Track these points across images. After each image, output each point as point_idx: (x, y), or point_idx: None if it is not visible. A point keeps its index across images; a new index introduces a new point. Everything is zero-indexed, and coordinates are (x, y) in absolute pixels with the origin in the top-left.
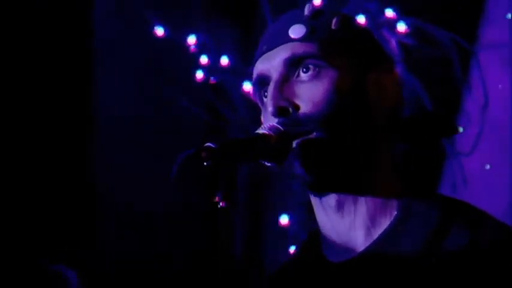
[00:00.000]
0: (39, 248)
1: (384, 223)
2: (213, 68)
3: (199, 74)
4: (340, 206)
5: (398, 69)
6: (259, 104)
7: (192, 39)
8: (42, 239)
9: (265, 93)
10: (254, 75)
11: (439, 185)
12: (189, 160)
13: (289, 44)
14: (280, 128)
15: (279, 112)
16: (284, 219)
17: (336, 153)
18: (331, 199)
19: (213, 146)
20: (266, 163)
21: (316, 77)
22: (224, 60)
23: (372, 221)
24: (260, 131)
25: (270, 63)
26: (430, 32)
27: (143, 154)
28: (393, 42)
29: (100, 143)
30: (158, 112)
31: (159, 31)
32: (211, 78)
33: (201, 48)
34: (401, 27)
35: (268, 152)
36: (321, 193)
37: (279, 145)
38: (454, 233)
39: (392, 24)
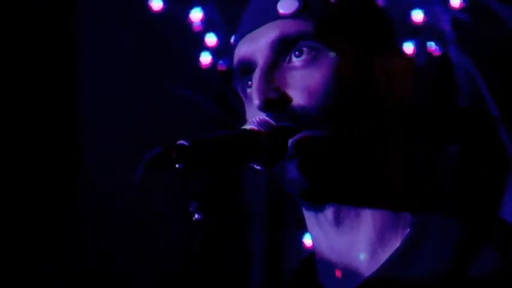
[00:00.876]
0: (17, 247)
1: (394, 242)
2: (222, 50)
3: (206, 58)
4: (339, 220)
5: (451, 51)
6: (242, 97)
7: (196, 14)
8: (20, 238)
9: (250, 83)
10: (235, 61)
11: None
12: (155, 162)
13: (278, 22)
14: (272, 122)
15: (267, 105)
16: (308, 240)
17: (337, 154)
18: (329, 211)
19: (186, 143)
20: (254, 166)
21: (311, 62)
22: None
23: (380, 239)
24: (247, 126)
25: (255, 46)
26: (490, 7)
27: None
28: (446, 19)
29: (84, 142)
30: (154, 105)
31: (156, 4)
32: (220, 62)
33: (207, 25)
34: (456, 1)
35: (258, 152)
36: (318, 203)
37: (271, 144)
38: (482, 260)
39: None
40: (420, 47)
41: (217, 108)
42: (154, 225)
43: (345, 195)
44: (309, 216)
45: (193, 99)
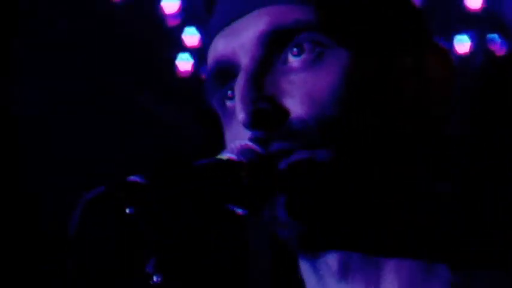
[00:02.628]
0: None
1: None
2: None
3: (184, 62)
4: (347, 273)
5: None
6: (219, 113)
7: (171, 5)
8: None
9: (230, 93)
10: (209, 63)
11: None
12: (96, 206)
13: (269, 8)
14: (258, 149)
15: (255, 120)
16: None
17: (348, 186)
18: (333, 260)
19: (140, 180)
20: (234, 209)
21: (315, 62)
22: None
23: None
24: (224, 155)
25: (237, 41)
26: None
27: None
28: None
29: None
30: (111, 119)
31: None
32: (205, 68)
33: (185, 18)
34: None
35: (237, 191)
36: (319, 252)
37: (255, 179)
38: None
39: None
40: (478, 42)
41: (199, 127)
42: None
43: (356, 239)
44: (305, 268)
45: (165, 115)
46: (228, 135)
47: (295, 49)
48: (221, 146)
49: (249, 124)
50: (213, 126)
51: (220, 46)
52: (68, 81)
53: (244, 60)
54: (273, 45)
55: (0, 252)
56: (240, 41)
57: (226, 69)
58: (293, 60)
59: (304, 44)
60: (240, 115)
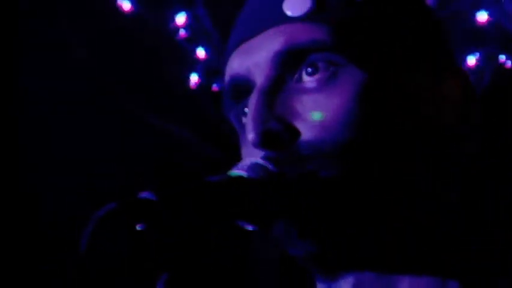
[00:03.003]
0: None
1: None
2: (215, 66)
3: (194, 77)
4: None
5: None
6: (235, 126)
7: (180, 19)
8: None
9: (246, 109)
10: (226, 79)
11: None
12: (109, 221)
13: (284, 27)
14: (268, 167)
15: (265, 140)
16: None
17: (361, 207)
18: (345, 282)
19: (152, 197)
20: (243, 225)
21: (329, 82)
22: None
23: None
24: (234, 171)
25: (252, 59)
26: None
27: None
28: None
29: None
30: (117, 136)
31: (125, 4)
32: (214, 84)
33: (194, 33)
34: None
35: (247, 208)
36: (332, 271)
37: (265, 197)
38: None
39: None
40: (486, 58)
41: (207, 144)
42: None
43: (370, 260)
44: None
45: (176, 131)
46: (244, 152)
47: (309, 68)
48: (233, 161)
49: (258, 144)
50: (223, 140)
51: (236, 64)
52: (69, 83)
53: (259, 79)
54: (287, 64)
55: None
56: (255, 59)
57: (242, 87)
58: (307, 80)
59: (318, 64)
60: (250, 135)
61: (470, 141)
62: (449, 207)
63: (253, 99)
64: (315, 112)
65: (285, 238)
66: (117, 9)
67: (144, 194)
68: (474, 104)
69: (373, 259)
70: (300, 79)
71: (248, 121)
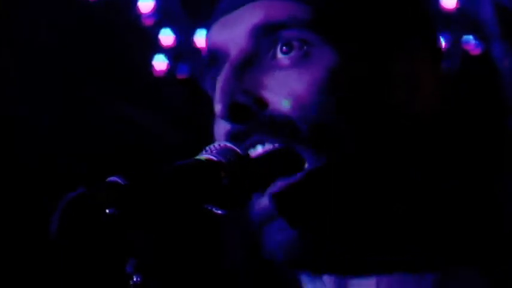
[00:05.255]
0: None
1: None
2: (182, 51)
3: (160, 63)
4: (341, 286)
5: (494, 49)
6: (210, 95)
7: (146, 4)
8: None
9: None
10: (204, 50)
11: None
12: (78, 205)
13: (263, 2)
14: (237, 149)
15: (231, 113)
16: None
17: (336, 196)
18: (327, 278)
19: (120, 181)
20: (213, 209)
21: (303, 60)
22: (201, 39)
23: None
24: (203, 155)
25: (229, 33)
26: None
27: None
28: (487, 7)
29: None
30: (83, 121)
31: None
32: (180, 69)
33: (161, 18)
34: None
35: (217, 191)
36: (315, 273)
37: (234, 179)
38: None
39: None
40: (453, 43)
41: (174, 129)
42: None
43: (350, 258)
44: (305, 281)
45: (139, 116)
46: (217, 127)
47: (284, 47)
48: (197, 147)
49: (225, 116)
50: (188, 127)
51: (214, 36)
52: (34, 67)
53: (233, 51)
54: (263, 39)
55: None
56: (232, 32)
57: (217, 58)
58: (281, 57)
59: (293, 42)
60: (217, 106)
61: (443, 128)
62: (427, 196)
63: (223, 72)
64: (286, 88)
65: (266, 241)
66: None
67: (113, 178)
68: (448, 91)
69: (353, 259)
70: (274, 56)
71: (216, 92)
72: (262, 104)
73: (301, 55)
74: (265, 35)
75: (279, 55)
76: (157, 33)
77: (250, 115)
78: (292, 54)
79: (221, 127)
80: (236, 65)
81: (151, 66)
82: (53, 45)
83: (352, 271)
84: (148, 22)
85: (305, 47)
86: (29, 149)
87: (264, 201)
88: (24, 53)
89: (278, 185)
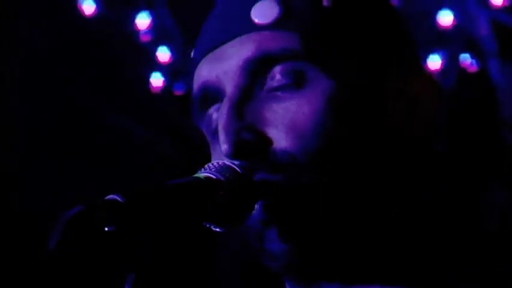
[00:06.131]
0: None
1: None
2: (178, 68)
3: (157, 80)
4: None
5: (491, 66)
6: (205, 133)
7: (143, 21)
8: None
9: (215, 116)
10: (195, 87)
11: None
12: (76, 224)
13: (253, 35)
14: (236, 169)
15: (238, 151)
16: None
17: (335, 215)
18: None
19: (119, 199)
20: (211, 227)
21: (299, 89)
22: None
23: None
24: (202, 173)
25: (221, 68)
26: None
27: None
28: (483, 23)
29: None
30: (81, 139)
31: (88, 8)
32: (176, 86)
33: (158, 35)
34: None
35: (215, 209)
36: (307, 281)
37: (233, 198)
38: None
39: None
40: (450, 60)
41: (171, 146)
42: None
43: (343, 268)
44: None
45: (137, 133)
46: (214, 156)
47: (280, 78)
48: (195, 162)
49: (232, 155)
50: (185, 142)
51: (205, 72)
52: (30, 79)
53: (228, 87)
54: (257, 72)
55: None
56: (224, 67)
57: (211, 95)
58: (278, 89)
59: (288, 73)
60: (223, 146)
61: (438, 143)
62: (422, 211)
63: (223, 109)
64: (286, 121)
65: (263, 253)
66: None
67: (111, 196)
68: (442, 106)
69: (347, 270)
70: (270, 89)
71: (220, 132)
72: (266, 140)
73: (297, 86)
74: (259, 68)
75: (275, 86)
76: (155, 50)
77: (255, 152)
78: (288, 85)
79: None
80: (235, 101)
81: (148, 82)
82: (51, 60)
83: (351, 280)
84: (145, 39)
85: (300, 77)
86: (22, 156)
87: (258, 210)
88: (24, 72)
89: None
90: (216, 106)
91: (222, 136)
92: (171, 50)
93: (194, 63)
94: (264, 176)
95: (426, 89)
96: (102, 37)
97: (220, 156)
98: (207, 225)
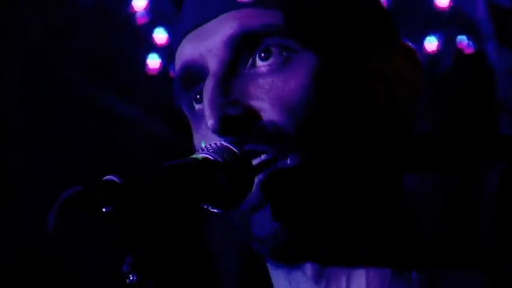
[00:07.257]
0: None
1: None
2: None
3: (154, 61)
4: (320, 275)
5: (489, 48)
6: (187, 113)
7: (139, 2)
8: None
9: (198, 96)
10: (177, 67)
11: None
12: (75, 203)
13: (236, 12)
14: (233, 149)
15: (225, 126)
16: None
17: (323, 191)
18: (307, 266)
19: (117, 180)
20: (209, 208)
21: (283, 66)
22: None
23: None
24: (200, 154)
25: (205, 46)
26: None
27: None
28: (480, 4)
29: None
30: (79, 120)
31: None
32: (173, 67)
33: (155, 17)
34: None
35: (213, 190)
36: (297, 260)
37: (231, 179)
38: None
39: None
40: (446, 42)
41: (168, 128)
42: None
43: (333, 248)
44: (278, 275)
45: (134, 115)
46: (197, 137)
47: (263, 53)
48: (189, 145)
49: (218, 130)
50: (180, 124)
51: (188, 50)
52: (26, 65)
53: (212, 64)
54: (241, 49)
55: None
56: (208, 45)
57: (194, 73)
58: (261, 64)
59: (272, 48)
60: (209, 121)
61: (423, 120)
62: (408, 192)
63: (208, 85)
64: (272, 95)
65: (251, 237)
66: None
67: (109, 177)
68: (421, 84)
69: (334, 251)
70: (254, 64)
71: (205, 107)
72: (252, 113)
73: (282, 61)
74: (243, 45)
75: (259, 62)
76: (151, 32)
77: (242, 127)
78: (272, 60)
79: (211, 137)
80: (220, 77)
81: (145, 64)
82: (46, 44)
83: (338, 261)
84: (142, 21)
85: (284, 53)
86: (19, 140)
87: (255, 191)
88: (21, 55)
89: (266, 172)
90: (199, 87)
91: (207, 111)
92: (168, 32)
93: (175, 43)
94: (252, 147)
95: (407, 68)
96: (99, 19)
97: (204, 136)
98: (205, 206)
